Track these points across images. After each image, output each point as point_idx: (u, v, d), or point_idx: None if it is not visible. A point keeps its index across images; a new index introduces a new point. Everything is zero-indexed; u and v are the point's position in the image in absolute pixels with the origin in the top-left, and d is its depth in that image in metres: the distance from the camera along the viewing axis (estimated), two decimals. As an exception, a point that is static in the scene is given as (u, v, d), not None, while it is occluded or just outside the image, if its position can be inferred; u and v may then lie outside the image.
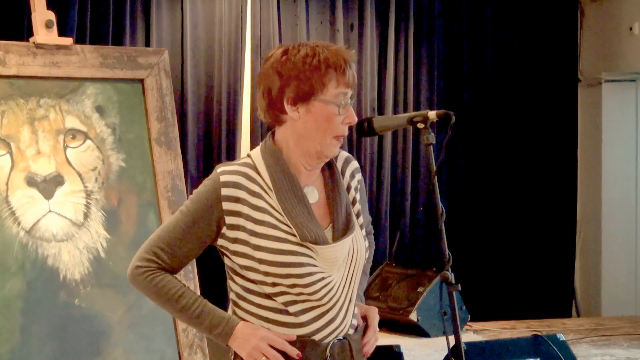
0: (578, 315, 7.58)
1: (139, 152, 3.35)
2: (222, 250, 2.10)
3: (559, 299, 7.46)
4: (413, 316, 6.26)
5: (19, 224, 3.06)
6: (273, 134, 2.14)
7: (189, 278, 3.31)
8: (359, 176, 2.23)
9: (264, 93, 2.11)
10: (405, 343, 4.73)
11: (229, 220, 2.05)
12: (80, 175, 3.23)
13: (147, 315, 3.25)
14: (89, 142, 3.26)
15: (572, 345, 4.71)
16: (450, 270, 2.10)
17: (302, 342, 2.08)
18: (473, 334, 6.41)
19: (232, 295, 2.13)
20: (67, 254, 3.14)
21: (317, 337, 2.09)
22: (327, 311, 2.09)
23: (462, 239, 6.96)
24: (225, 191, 2.04)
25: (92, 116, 3.31)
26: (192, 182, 6.43)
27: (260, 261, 2.04)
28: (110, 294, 3.18)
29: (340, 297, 2.11)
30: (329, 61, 2.05)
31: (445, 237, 2.12)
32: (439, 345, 5.67)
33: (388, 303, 6.47)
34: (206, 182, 2.09)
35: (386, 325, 6.58)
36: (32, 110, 3.19)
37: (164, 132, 3.40)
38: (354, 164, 2.23)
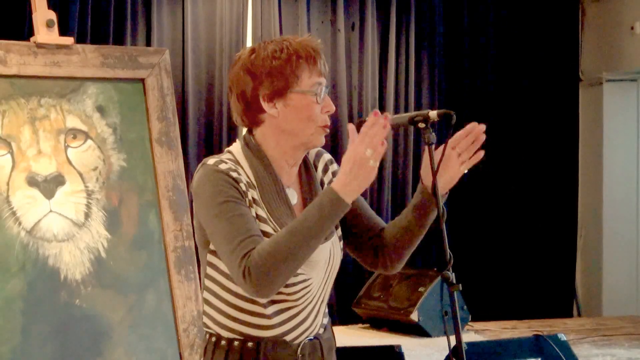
0: (579, 315, 7.58)
1: (140, 152, 3.35)
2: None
3: (560, 299, 7.46)
4: (414, 316, 6.26)
5: (19, 224, 3.05)
6: (251, 132, 2.11)
7: (190, 278, 3.31)
8: (332, 167, 2.19)
9: (238, 97, 2.07)
10: (406, 343, 4.73)
11: (247, 201, 2.01)
12: (81, 175, 3.23)
13: (147, 315, 3.25)
14: (90, 142, 3.26)
15: (573, 345, 4.71)
16: (451, 270, 2.09)
17: (273, 342, 2.07)
18: (474, 334, 6.41)
19: (205, 295, 2.08)
20: (68, 254, 3.14)
21: (288, 338, 2.08)
22: (300, 312, 2.09)
23: (463, 239, 6.96)
24: (234, 175, 2.00)
25: (93, 116, 3.31)
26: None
27: None
28: (111, 294, 3.18)
29: (314, 297, 2.11)
30: (298, 52, 2.03)
31: (446, 237, 2.12)
32: (440, 346, 5.67)
33: (389, 303, 6.48)
34: (210, 177, 2.00)
35: (387, 325, 6.59)
36: (33, 110, 3.19)
37: (165, 132, 3.39)
38: (325, 157, 2.20)
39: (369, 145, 1.89)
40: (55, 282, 3.09)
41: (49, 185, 3.13)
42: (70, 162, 3.20)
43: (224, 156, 2.07)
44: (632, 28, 7.20)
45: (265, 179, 2.05)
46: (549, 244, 7.42)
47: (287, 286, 2.01)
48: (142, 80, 3.38)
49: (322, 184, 2.17)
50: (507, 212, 7.36)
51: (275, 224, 2.03)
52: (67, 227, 3.15)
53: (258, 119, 2.07)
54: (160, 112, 3.40)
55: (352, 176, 1.90)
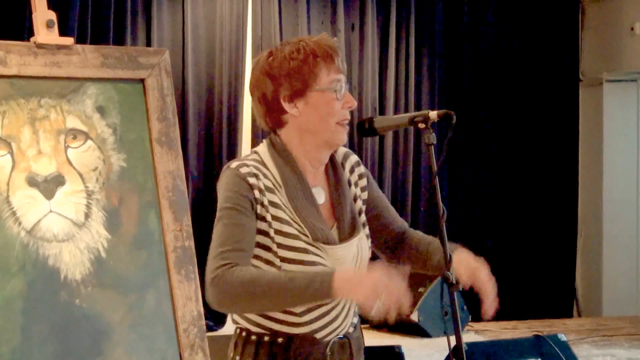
0: (579, 315, 7.58)
1: (140, 152, 3.34)
2: None
3: (560, 299, 7.47)
4: (414, 316, 6.27)
5: (19, 224, 3.05)
6: (275, 133, 2.13)
7: (190, 278, 3.31)
8: (359, 170, 2.23)
9: (259, 99, 2.11)
10: (407, 343, 4.73)
11: (258, 209, 2.05)
12: (81, 175, 3.22)
13: (148, 315, 3.25)
14: (89, 142, 3.25)
15: (573, 345, 4.71)
16: (451, 270, 2.10)
17: (303, 339, 2.09)
18: (474, 334, 6.42)
19: None
20: (68, 254, 3.14)
21: (318, 336, 2.10)
22: (330, 310, 2.11)
23: (463, 239, 6.94)
24: (251, 180, 2.04)
25: (93, 116, 3.31)
26: (193, 182, 6.43)
27: (275, 254, 2.05)
28: (111, 294, 3.18)
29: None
30: (315, 52, 2.07)
31: (446, 237, 2.12)
32: (440, 346, 5.67)
33: (389, 303, 6.48)
34: (229, 180, 2.05)
35: (387, 325, 6.59)
36: (33, 110, 3.19)
37: (165, 132, 3.39)
38: (353, 158, 2.24)
39: (387, 292, 1.88)
40: (55, 282, 3.09)
41: (49, 186, 3.12)
42: (70, 163, 3.19)
43: (249, 158, 2.11)
44: (632, 29, 7.20)
45: (291, 179, 2.09)
46: (549, 243, 7.43)
47: None
48: (142, 81, 3.37)
49: (349, 183, 2.19)
50: (508, 212, 7.37)
51: (301, 225, 2.06)
52: (67, 227, 3.14)
53: (281, 120, 2.10)
54: (160, 112, 3.39)
55: (356, 283, 1.90)
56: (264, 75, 2.09)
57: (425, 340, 6.11)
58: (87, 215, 3.15)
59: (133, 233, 3.23)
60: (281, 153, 2.10)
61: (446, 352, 2.37)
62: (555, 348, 4.12)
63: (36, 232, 3.03)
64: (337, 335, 2.13)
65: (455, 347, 2.08)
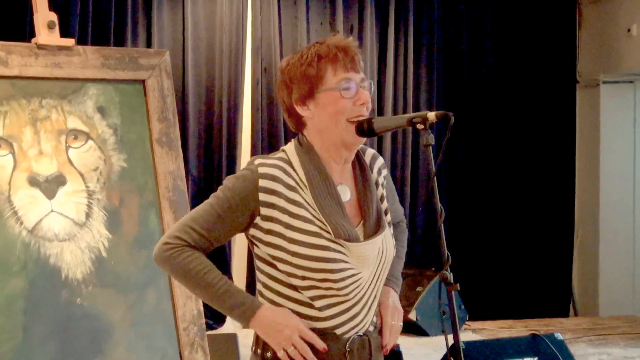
0: (576, 314, 7.58)
1: (141, 153, 3.35)
2: (252, 240, 2.12)
3: (556, 299, 7.47)
4: (412, 315, 6.26)
5: (21, 223, 3.06)
6: (302, 134, 2.18)
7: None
8: (384, 172, 2.26)
9: (281, 105, 2.18)
10: (405, 342, 4.73)
11: (263, 211, 2.07)
12: (82, 175, 3.23)
13: (148, 314, 3.25)
14: (90, 142, 3.26)
15: (569, 344, 4.72)
16: (449, 270, 2.10)
17: (323, 335, 2.09)
18: (472, 333, 6.42)
19: (258, 285, 2.16)
20: (69, 254, 3.14)
21: (338, 332, 2.11)
22: (352, 307, 2.12)
23: (461, 239, 6.96)
24: (262, 182, 2.06)
25: (93, 117, 3.31)
26: (193, 182, 6.43)
27: (294, 254, 2.06)
28: (112, 293, 3.19)
29: (366, 293, 2.13)
30: (320, 53, 2.10)
31: (444, 237, 2.12)
32: (438, 345, 5.68)
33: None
34: (244, 172, 2.10)
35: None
36: (34, 110, 3.19)
37: (165, 133, 3.40)
38: (380, 160, 2.27)
39: (296, 345, 2.05)
40: (57, 281, 3.10)
41: (50, 185, 3.13)
42: (71, 163, 3.20)
43: (276, 156, 2.15)
44: (628, 30, 7.20)
45: (315, 177, 2.11)
46: (546, 244, 7.43)
47: (336, 281, 2.07)
48: (143, 82, 3.38)
49: (377, 184, 2.23)
50: (505, 212, 7.36)
51: (324, 222, 2.08)
52: (68, 226, 3.15)
53: (301, 123, 2.15)
54: (161, 113, 3.40)
55: (271, 330, 2.07)
56: (281, 83, 2.15)
57: (424, 339, 6.11)
58: (88, 215, 3.16)
59: (134, 233, 3.24)
60: (307, 152, 2.13)
61: (444, 351, 2.38)
62: (552, 347, 4.13)
63: (37, 232, 3.04)
64: (357, 332, 2.14)
65: (452, 346, 2.09)
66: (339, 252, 2.07)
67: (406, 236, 2.42)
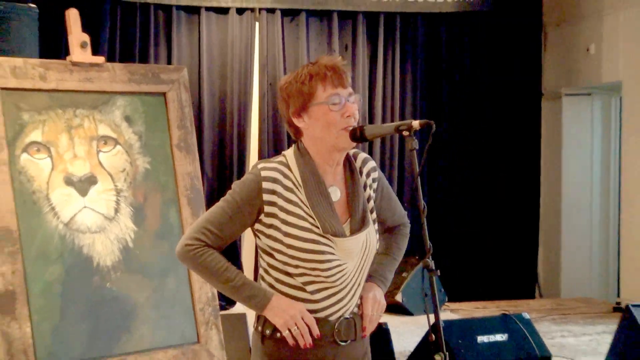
0: (540, 296, 7.58)
1: (162, 156, 3.35)
2: (257, 232, 2.13)
3: (524, 283, 7.46)
4: (398, 298, 6.26)
5: (58, 218, 3.05)
6: (300, 141, 2.18)
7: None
8: (374, 174, 2.25)
9: (283, 117, 2.19)
10: (392, 321, 4.73)
11: (266, 209, 2.08)
12: (111, 175, 3.22)
13: (168, 297, 3.25)
14: (118, 147, 3.25)
15: (535, 322, 4.71)
16: (430, 258, 2.10)
17: (315, 319, 2.10)
18: (450, 312, 6.41)
19: (260, 271, 2.18)
20: (100, 244, 3.14)
21: (327, 314, 2.12)
22: (338, 292, 2.12)
23: (441, 231, 6.96)
24: (265, 184, 2.08)
25: (121, 125, 3.31)
26: (208, 181, 6.43)
27: (288, 246, 2.07)
28: (137, 278, 3.18)
29: (351, 281, 2.14)
30: (311, 73, 2.12)
31: (426, 229, 2.13)
32: (421, 323, 5.67)
33: (377, 286, 6.47)
34: (248, 177, 2.12)
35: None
36: (69, 119, 3.19)
37: (183, 139, 3.39)
38: (371, 163, 2.26)
39: (298, 324, 2.08)
40: (89, 268, 3.09)
41: (83, 185, 3.13)
42: (101, 165, 3.19)
43: (277, 160, 2.17)
44: (587, 49, 7.20)
45: (309, 179, 2.12)
46: (515, 236, 7.43)
47: (323, 270, 2.08)
48: (164, 94, 3.37)
49: (365, 186, 2.22)
50: (480, 209, 7.36)
51: (314, 219, 2.09)
52: (99, 220, 3.14)
53: (298, 132, 2.17)
54: (180, 121, 3.39)
55: (280, 312, 2.08)
56: (281, 99, 2.17)
57: (408, 318, 6.10)
58: (116, 210, 3.15)
59: (156, 226, 3.23)
60: (303, 156, 2.14)
61: (426, 329, 2.37)
62: (520, 325, 4.13)
63: (72, 225, 3.03)
64: (344, 315, 2.14)
65: (434, 324, 2.09)
66: (327, 245, 2.08)
67: (406, 240, 2.39)
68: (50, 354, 2.89)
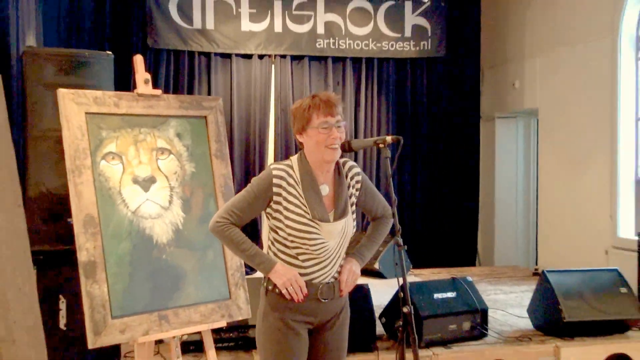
0: (479, 264, 7.59)
1: (204, 162, 3.34)
2: (267, 215, 2.14)
3: (467, 254, 7.47)
4: (377, 266, 6.26)
5: (127, 207, 3.04)
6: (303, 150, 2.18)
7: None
8: (357, 177, 2.23)
9: (292, 130, 2.19)
10: (371, 283, 4.72)
11: (275, 198, 2.09)
12: (166, 177, 3.21)
13: (208, 264, 3.24)
14: (172, 156, 3.24)
15: (476, 283, 4.71)
16: (400, 236, 2.10)
17: (305, 282, 2.10)
18: (414, 277, 6.41)
19: (268, 243, 2.18)
20: (158, 227, 3.13)
21: (312, 277, 2.11)
22: (322, 262, 2.12)
23: (408, 217, 6.96)
24: (275, 180, 2.09)
25: (174, 139, 3.30)
26: (237, 180, 6.44)
27: (287, 226, 2.08)
28: (186, 251, 3.17)
29: (331, 255, 2.14)
30: (310, 105, 2.12)
31: (396, 215, 2.13)
32: (393, 285, 5.65)
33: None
34: (263, 174, 2.12)
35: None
36: (136, 135, 3.18)
37: (219, 149, 3.38)
38: (355, 169, 2.24)
39: (294, 284, 2.07)
40: (150, 244, 3.08)
41: (146, 183, 3.12)
42: (159, 169, 3.19)
43: (285, 163, 2.17)
44: (513, 84, 7.22)
45: (306, 178, 2.13)
46: (461, 220, 7.44)
47: (311, 246, 2.09)
48: (205, 117, 3.37)
49: (348, 186, 2.21)
50: (435, 202, 7.36)
51: (307, 208, 2.10)
52: (157, 209, 3.13)
53: (301, 144, 2.18)
54: (217, 136, 3.38)
55: (280, 275, 2.07)
56: (292, 117, 2.17)
57: (383, 281, 6.10)
58: (170, 202, 3.14)
59: (199, 214, 3.22)
60: (303, 162, 2.15)
61: (397, 289, 2.37)
62: (465, 285, 4.12)
63: (138, 213, 3.03)
64: (326, 279, 2.13)
65: (402, 285, 2.08)
66: (315, 227, 2.08)
67: (388, 227, 2.32)
68: (121, 307, 2.88)
